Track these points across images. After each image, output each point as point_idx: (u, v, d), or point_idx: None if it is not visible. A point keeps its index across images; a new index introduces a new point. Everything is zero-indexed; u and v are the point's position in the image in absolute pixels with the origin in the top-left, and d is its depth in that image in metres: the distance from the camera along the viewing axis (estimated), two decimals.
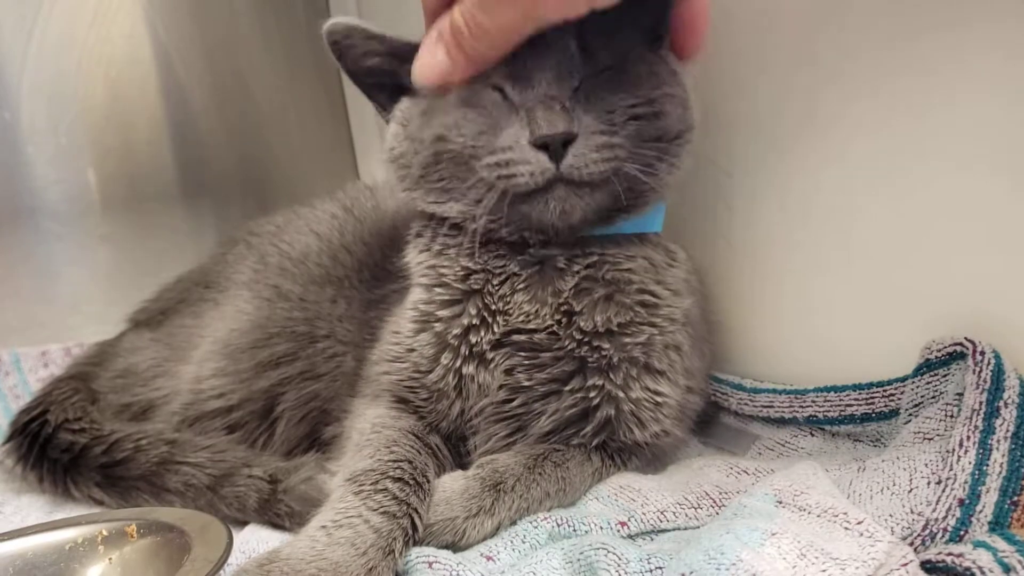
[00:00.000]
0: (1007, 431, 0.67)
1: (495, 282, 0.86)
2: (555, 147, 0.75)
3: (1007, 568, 0.58)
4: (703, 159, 0.99)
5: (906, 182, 0.82)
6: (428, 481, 0.78)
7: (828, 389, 0.86)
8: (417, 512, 0.74)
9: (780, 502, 0.68)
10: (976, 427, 0.68)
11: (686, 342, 0.87)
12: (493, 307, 0.85)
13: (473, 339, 0.85)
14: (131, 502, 0.96)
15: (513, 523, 0.78)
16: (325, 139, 1.86)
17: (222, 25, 1.68)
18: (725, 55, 0.97)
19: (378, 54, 0.87)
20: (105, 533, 0.74)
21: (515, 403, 0.85)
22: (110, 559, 0.74)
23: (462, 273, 0.87)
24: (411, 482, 0.76)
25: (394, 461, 0.78)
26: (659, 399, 0.85)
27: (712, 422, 1.01)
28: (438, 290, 0.88)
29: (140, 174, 1.57)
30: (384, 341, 0.92)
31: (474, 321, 0.85)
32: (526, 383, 0.84)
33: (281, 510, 0.89)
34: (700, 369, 0.93)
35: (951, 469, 0.67)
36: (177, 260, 1.44)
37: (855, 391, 0.84)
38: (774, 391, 0.92)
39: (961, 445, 0.68)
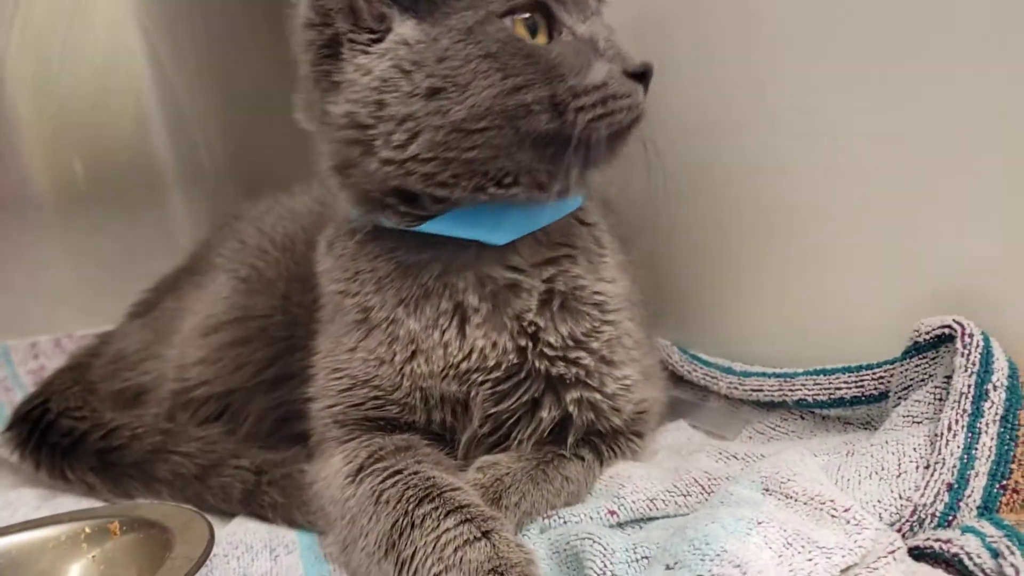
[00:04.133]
0: (996, 414, 0.67)
1: (448, 328, 0.80)
2: (648, 78, 0.73)
3: (995, 553, 0.58)
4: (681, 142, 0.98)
5: (894, 161, 0.81)
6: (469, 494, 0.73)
7: (818, 372, 0.85)
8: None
9: (767, 490, 0.67)
10: (964, 411, 0.68)
11: (630, 322, 0.87)
12: (436, 356, 0.80)
13: (425, 372, 0.80)
14: (121, 488, 0.97)
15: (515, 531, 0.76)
16: None
17: (209, 11, 1.66)
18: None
19: None
20: (88, 530, 0.74)
21: (488, 430, 0.82)
22: (93, 556, 0.74)
23: (414, 329, 0.80)
24: (458, 505, 0.69)
25: (426, 498, 0.70)
26: (627, 382, 0.84)
27: (701, 406, 1.01)
28: (384, 347, 0.81)
29: (128, 163, 1.57)
30: (321, 379, 0.86)
31: (423, 367, 0.80)
32: (494, 410, 0.81)
33: (265, 501, 0.88)
34: (645, 333, 0.93)
35: (939, 453, 0.67)
36: (167, 250, 1.43)
37: (844, 374, 0.83)
38: (763, 375, 0.91)
39: (950, 429, 0.67)
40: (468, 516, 0.67)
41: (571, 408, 0.81)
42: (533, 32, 0.73)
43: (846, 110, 0.84)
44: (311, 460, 0.88)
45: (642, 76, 0.73)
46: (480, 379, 0.80)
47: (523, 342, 0.80)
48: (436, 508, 0.68)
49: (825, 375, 0.84)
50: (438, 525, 0.66)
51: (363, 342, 0.82)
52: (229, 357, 1.04)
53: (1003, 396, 0.67)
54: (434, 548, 0.65)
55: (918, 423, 0.72)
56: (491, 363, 0.79)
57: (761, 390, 0.90)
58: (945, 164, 0.77)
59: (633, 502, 0.77)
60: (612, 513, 0.77)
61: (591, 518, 0.76)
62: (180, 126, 1.61)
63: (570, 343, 0.81)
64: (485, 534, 0.65)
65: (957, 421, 0.67)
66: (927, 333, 0.74)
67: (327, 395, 0.84)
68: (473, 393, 0.80)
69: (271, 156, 1.71)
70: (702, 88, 1.00)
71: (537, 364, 0.80)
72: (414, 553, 0.66)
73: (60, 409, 1.05)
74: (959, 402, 0.68)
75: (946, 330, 0.73)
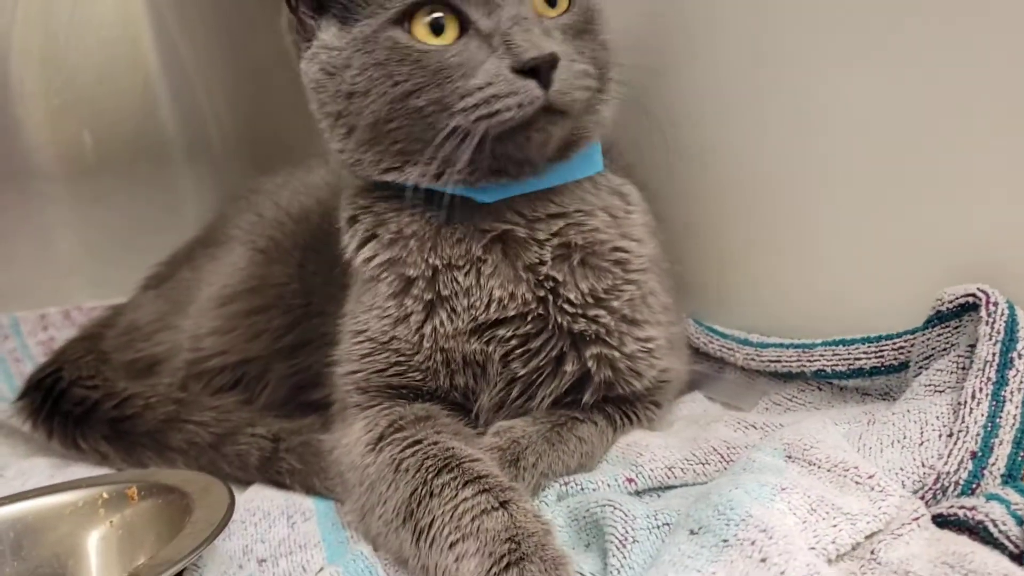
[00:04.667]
0: (1021, 383, 0.66)
1: (461, 277, 0.80)
2: (545, 71, 0.70)
3: (1020, 520, 0.58)
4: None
5: (916, 128, 0.80)
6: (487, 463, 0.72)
7: (836, 343, 0.85)
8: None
9: (789, 457, 0.67)
10: (989, 379, 0.67)
11: (657, 285, 0.86)
12: (462, 306, 0.80)
13: (448, 330, 0.81)
14: (134, 457, 0.98)
15: (533, 494, 0.77)
16: None
17: None
18: None
19: None
20: (106, 496, 0.74)
21: (514, 393, 0.83)
22: (111, 522, 0.74)
23: (429, 276, 0.81)
24: (476, 475, 0.69)
25: (444, 468, 0.70)
26: (650, 344, 0.84)
27: (717, 377, 1.00)
28: (404, 301, 0.81)
29: (136, 135, 1.57)
30: (345, 343, 0.86)
31: (445, 322, 0.80)
32: (522, 372, 0.82)
33: (283, 467, 0.89)
34: (674, 301, 0.92)
35: (963, 421, 0.66)
36: (175, 221, 1.44)
37: (864, 344, 0.82)
38: (781, 345, 0.90)
39: (973, 397, 0.67)
40: (486, 486, 0.67)
41: (591, 364, 0.81)
42: (439, 31, 0.73)
43: (869, 82, 0.83)
44: (328, 428, 0.88)
45: (533, 72, 0.71)
46: (503, 334, 0.80)
47: (542, 293, 0.80)
48: (455, 478, 0.68)
49: (844, 345, 0.84)
50: (456, 495, 0.67)
51: (378, 299, 0.83)
52: (244, 326, 1.04)
53: None
54: (452, 517, 0.65)
55: (940, 392, 0.72)
56: (511, 314, 0.80)
57: (779, 361, 0.90)
58: (966, 134, 0.76)
59: (651, 470, 0.77)
60: (630, 481, 0.77)
61: (608, 485, 0.76)
62: (188, 99, 1.61)
63: (590, 300, 0.81)
64: (503, 504, 0.65)
65: (981, 389, 0.67)
66: (950, 302, 0.74)
67: (350, 359, 0.84)
68: (495, 350, 0.80)
69: (278, 129, 1.70)
70: (727, 59, 0.99)
71: (559, 319, 0.80)
72: (432, 522, 0.66)
73: (73, 378, 1.06)
74: (983, 370, 0.67)
75: (970, 299, 0.72)
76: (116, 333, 1.13)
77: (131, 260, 1.29)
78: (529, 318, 0.80)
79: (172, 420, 0.97)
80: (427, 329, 0.81)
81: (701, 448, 0.78)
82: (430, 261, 0.80)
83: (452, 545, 0.63)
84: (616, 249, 0.83)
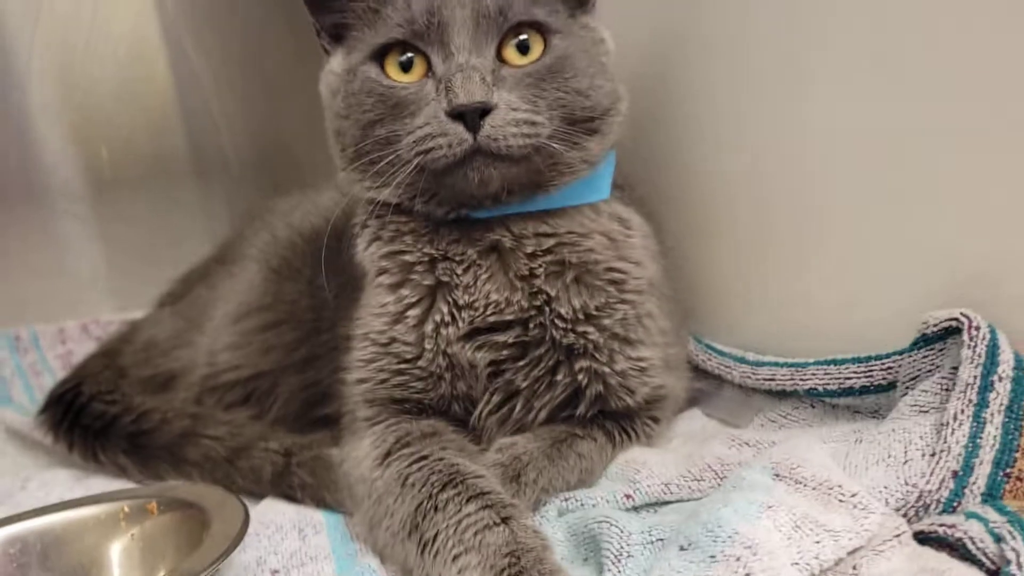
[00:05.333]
0: (1001, 405, 0.69)
1: (459, 271, 0.85)
2: (471, 117, 0.76)
3: (998, 538, 0.60)
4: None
5: (902, 156, 0.83)
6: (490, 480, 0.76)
7: (828, 362, 0.87)
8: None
9: (777, 475, 0.70)
10: (970, 400, 0.70)
11: (655, 307, 0.90)
12: (461, 301, 0.85)
13: (449, 332, 0.85)
14: (151, 470, 1.02)
15: (533, 510, 0.80)
16: None
17: (233, 2, 1.69)
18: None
19: None
20: (127, 510, 0.78)
21: (512, 404, 0.87)
22: (132, 535, 0.77)
23: (427, 261, 0.86)
24: (480, 491, 0.72)
25: (449, 483, 0.74)
26: (642, 364, 0.87)
27: (715, 395, 1.03)
28: (404, 291, 0.87)
29: (152, 153, 1.61)
30: (354, 349, 0.90)
31: (446, 318, 0.85)
32: (522, 382, 0.86)
33: (294, 482, 0.92)
34: (674, 325, 0.96)
35: (945, 441, 0.69)
36: (190, 237, 1.48)
37: (854, 364, 0.85)
38: (776, 364, 0.93)
39: (955, 418, 0.70)
40: (489, 503, 0.70)
41: (581, 377, 0.85)
42: (407, 69, 0.82)
43: (854, 105, 0.86)
44: (338, 442, 0.92)
45: (460, 116, 0.76)
46: (502, 340, 0.85)
47: (537, 303, 0.84)
48: (459, 493, 0.72)
49: (835, 365, 0.86)
50: (460, 509, 0.70)
51: (379, 295, 0.89)
52: (258, 341, 1.08)
53: (1008, 387, 0.69)
54: (455, 531, 0.68)
55: (925, 412, 0.74)
56: (508, 318, 0.84)
57: (773, 379, 0.92)
58: (952, 158, 0.78)
59: (648, 486, 0.80)
60: (628, 497, 0.80)
61: (607, 501, 0.80)
62: (203, 118, 1.65)
63: (581, 316, 0.85)
64: (504, 520, 0.69)
65: (963, 411, 0.70)
66: (935, 325, 0.76)
67: (357, 366, 0.89)
68: (493, 356, 0.85)
69: (291, 147, 1.75)
70: (716, 82, 1.02)
71: (553, 333, 0.85)
72: (436, 535, 0.69)
73: (92, 393, 1.10)
74: (965, 392, 0.70)
75: (953, 322, 0.75)
76: (134, 349, 1.18)
77: (148, 274, 1.34)
78: (531, 326, 0.85)
79: (188, 435, 1.00)
80: (427, 328, 0.85)
81: (696, 465, 0.81)
82: (426, 251, 0.86)
83: (455, 558, 0.67)
84: (611, 269, 0.87)
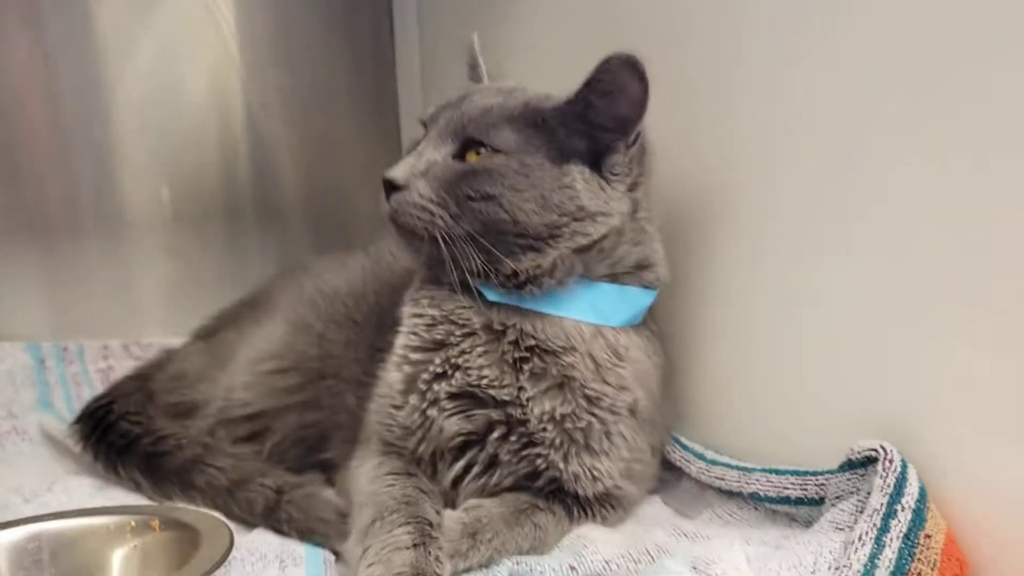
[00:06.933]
0: (900, 532, 0.77)
1: (458, 333, 0.98)
2: (385, 188, 0.94)
3: None
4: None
5: (836, 283, 0.94)
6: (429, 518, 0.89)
7: (771, 471, 0.96)
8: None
9: (695, 568, 0.79)
10: (875, 525, 0.78)
11: (629, 430, 0.99)
12: (454, 360, 0.97)
13: (440, 387, 0.97)
14: (162, 490, 1.12)
15: (485, 567, 0.90)
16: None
17: (296, 64, 1.85)
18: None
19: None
20: (133, 524, 0.89)
21: (477, 474, 0.98)
22: (134, 545, 0.88)
23: (429, 322, 1.00)
24: (413, 520, 0.86)
25: (396, 510, 0.88)
26: (596, 473, 0.97)
27: (675, 485, 1.12)
28: (412, 336, 1.01)
29: (211, 196, 1.75)
30: (375, 387, 1.05)
31: (438, 370, 0.98)
32: (488, 456, 0.97)
33: (282, 516, 1.02)
34: (650, 446, 1.04)
35: (848, 558, 0.77)
36: (239, 275, 1.63)
37: (793, 476, 0.93)
38: (728, 465, 1.01)
39: (860, 539, 0.77)
40: (412, 531, 0.84)
41: (539, 463, 0.96)
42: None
43: (800, 247, 0.99)
44: (331, 484, 1.06)
45: (385, 187, 0.94)
46: (483, 413, 0.97)
47: (515, 393, 0.96)
48: (398, 517, 0.86)
49: (777, 475, 0.95)
50: (391, 531, 0.84)
51: (395, 353, 1.03)
52: (268, 383, 1.20)
53: (908, 517, 0.77)
54: (380, 547, 0.82)
55: (840, 529, 0.82)
56: (501, 396, 0.96)
57: (723, 479, 1.01)
58: (883, 286, 0.89)
59: (592, 561, 0.89)
60: (572, 568, 0.88)
61: (554, 570, 0.88)
62: (262, 168, 1.79)
63: (546, 417, 0.95)
64: (415, 546, 0.81)
65: (868, 533, 0.78)
66: (859, 453, 0.85)
67: (375, 401, 1.05)
68: (468, 429, 0.97)
69: (342, 203, 1.89)
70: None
71: (520, 418, 0.96)
72: (369, 547, 0.83)
73: (121, 412, 1.21)
74: (872, 517, 0.78)
75: (873, 453, 0.83)
76: (166, 377, 1.30)
77: (192, 306, 1.47)
78: (510, 410, 0.96)
79: (197, 462, 1.11)
80: (419, 386, 0.99)
81: (636, 547, 0.90)
82: (433, 312, 1.00)
83: (369, 566, 0.80)
84: (589, 388, 0.96)
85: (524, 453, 0.96)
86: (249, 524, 1.05)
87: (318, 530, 1.00)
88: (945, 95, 0.81)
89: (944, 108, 0.81)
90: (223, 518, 0.94)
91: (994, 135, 0.77)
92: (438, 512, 0.92)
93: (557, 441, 0.95)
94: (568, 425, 0.95)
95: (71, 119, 1.61)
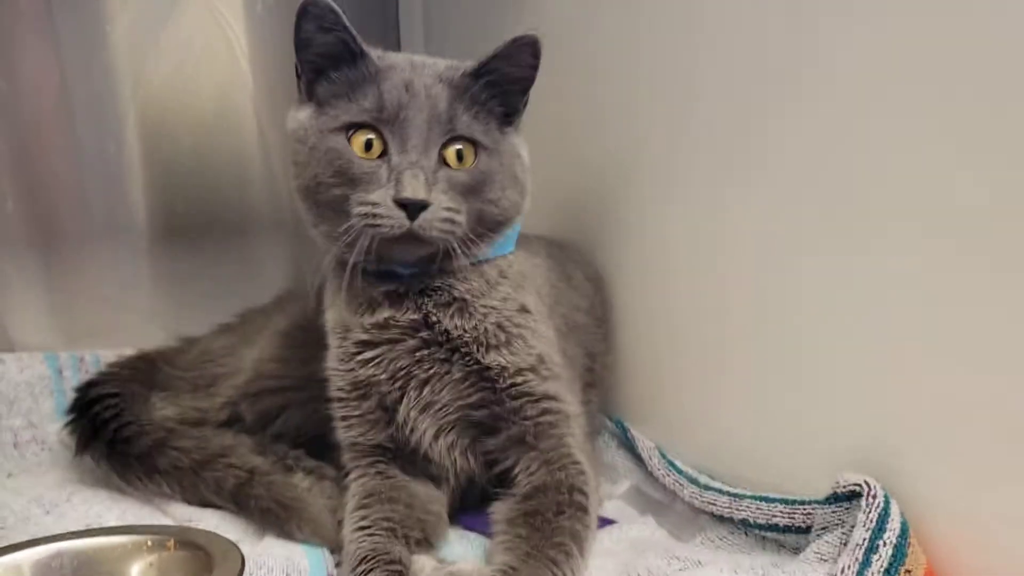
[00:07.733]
0: (880, 566, 0.81)
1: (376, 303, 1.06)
2: (413, 209, 0.95)
3: None
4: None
5: (819, 317, 0.99)
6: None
7: (761, 499, 0.99)
8: None
9: None
10: (857, 559, 0.82)
11: (530, 326, 1.07)
12: (368, 323, 1.05)
13: (364, 355, 1.05)
14: (127, 475, 1.16)
15: None
16: None
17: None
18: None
19: (334, 29, 0.99)
20: (150, 543, 0.93)
21: (425, 395, 1.05)
22: (150, 562, 0.92)
23: (360, 332, 1.05)
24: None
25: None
26: (512, 358, 1.04)
27: (669, 507, 1.16)
28: (338, 344, 1.08)
29: (222, 211, 1.79)
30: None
31: (373, 371, 1.05)
32: (425, 375, 1.04)
33: (252, 496, 1.08)
34: (566, 360, 1.14)
35: None
36: (247, 288, 1.66)
37: (782, 504, 0.97)
38: (719, 491, 1.05)
39: (843, 572, 0.81)
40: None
41: (468, 362, 1.04)
42: (368, 148, 0.98)
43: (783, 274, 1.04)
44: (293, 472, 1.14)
45: (404, 206, 0.94)
46: (404, 347, 1.05)
47: (423, 320, 1.04)
48: (372, 568, 0.92)
49: (766, 502, 0.99)
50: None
51: (332, 350, 1.10)
52: (296, 356, 1.26)
53: (889, 552, 0.81)
54: None
55: (824, 561, 0.86)
56: (402, 324, 1.04)
57: (715, 504, 1.05)
58: (870, 321, 0.93)
59: None
60: None
61: None
62: (272, 182, 1.82)
63: (457, 333, 1.04)
64: None
65: (850, 566, 0.81)
66: (843, 486, 0.89)
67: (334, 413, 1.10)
68: (399, 364, 1.05)
69: None
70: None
71: (440, 339, 1.04)
72: None
73: (100, 395, 1.24)
74: (854, 551, 0.82)
75: (857, 487, 0.87)
76: (192, 356, 1.36)
77: (203, 317, 1.50)
78: (425, 335, 1.04)
79: (160, 445, 1.15)
80: (360, 371, 1.05)
81: (628, 573, 0.94)
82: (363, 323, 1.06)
83: None
84: (482, 305, 1.05)
85: (453, 361, 1.04)
86: (217, 506, 1.11)
87: (291, 516, 1.05)
88: None
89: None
90: (232, 542, 0.97)
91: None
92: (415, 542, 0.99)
93: (473, 346, 1.03)
94: (479, 332, 1.04)
95: (86, 134, 1.64)
